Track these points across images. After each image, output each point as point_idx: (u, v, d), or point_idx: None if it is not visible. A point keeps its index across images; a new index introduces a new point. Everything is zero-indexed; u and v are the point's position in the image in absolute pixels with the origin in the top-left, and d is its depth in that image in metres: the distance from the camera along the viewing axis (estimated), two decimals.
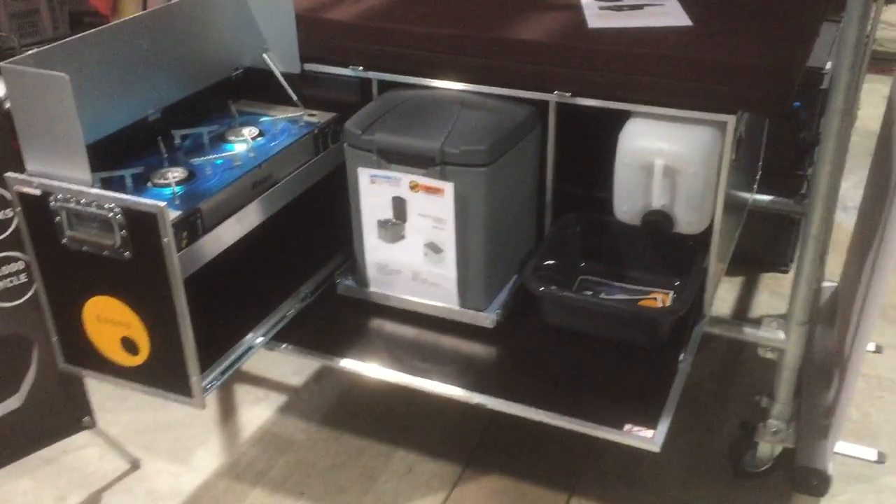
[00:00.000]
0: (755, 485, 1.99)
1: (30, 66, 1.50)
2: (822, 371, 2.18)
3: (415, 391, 2.17)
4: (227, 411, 2.29)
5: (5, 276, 1.82)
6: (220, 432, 2.22)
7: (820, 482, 1.94)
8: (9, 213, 1.80)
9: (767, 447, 1.95)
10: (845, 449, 2.06)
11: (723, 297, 2.64)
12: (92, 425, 2.02)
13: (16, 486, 2.06)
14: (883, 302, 2.45)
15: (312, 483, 2.05)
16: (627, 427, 1.62)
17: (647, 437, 1.60)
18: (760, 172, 2.48)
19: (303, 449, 2.15)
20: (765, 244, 2.69)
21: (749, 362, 2.36)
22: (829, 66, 2.46)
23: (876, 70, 4.18)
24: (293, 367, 2.42)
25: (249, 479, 2.07)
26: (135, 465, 2.11)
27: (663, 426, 1.62)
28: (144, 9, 3.44)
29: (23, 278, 1.84)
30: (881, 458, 2.04)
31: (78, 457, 2.14)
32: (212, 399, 2.33)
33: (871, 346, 2.42)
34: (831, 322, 2.39)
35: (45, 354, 1.88)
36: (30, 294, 1.85)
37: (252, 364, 2.44)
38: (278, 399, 2.32)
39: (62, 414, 1.97)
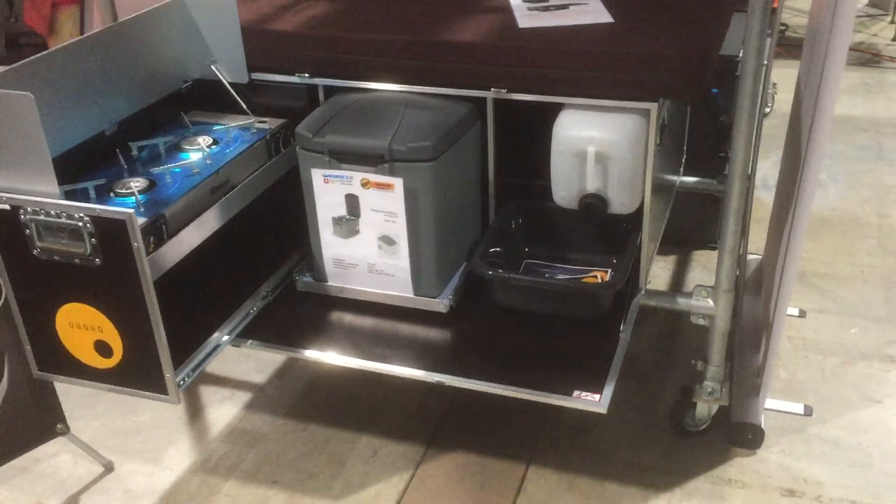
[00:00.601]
0: (696, 442, 2.15)
1: None
2: (752, 336, 2.36)
3: (375, 381, 2.29)
4: (195, 411, 2.37)
5: None
6: (190, 431, 2.30)
7: (754, 435, 2.11)
8: None
9: (705, 407, 2.12)
10: (776, 405, 2.24)
11: (658, 274, 2.81)
12: (66, 431, 2.09)
13: None
14: (799, 268, 2.66)
15: (283, 472, 2.14)
16: (576, 393, 1.77)
17: (594, 401, 1.74)
18: (685, 156, 2.65)
19: (272, 441, 2.24)
20: (694, 224, 2.87)
21: (686, 333, 2.54)
22: (742, 53, 2.63)
23: (791, 55, 4.43)
24: (256, 365, 2.52)
25: (222, 472, 2.15)
26: (109, 468, 2.18)
27: (609, 390, 1.77)
28: (81, 27, 3.49)
29: None
30: (808, 411, 2.23)
31: (51, 464, 2.20)
32: None
33: (795, 311, 2.62)
34: (758, 291, 2.58)
35: (16, 365, 1.94)
36: None
37: (215, 365, 2.52)
38: (244, 397, 2.41)
39: (36, 422, 2.03)
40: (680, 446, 2.15)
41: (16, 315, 1.77)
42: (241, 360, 2.54)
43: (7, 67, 1.68)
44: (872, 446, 2.12)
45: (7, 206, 1.63)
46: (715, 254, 2.31)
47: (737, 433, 2.12)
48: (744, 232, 2.29)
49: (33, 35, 3.65)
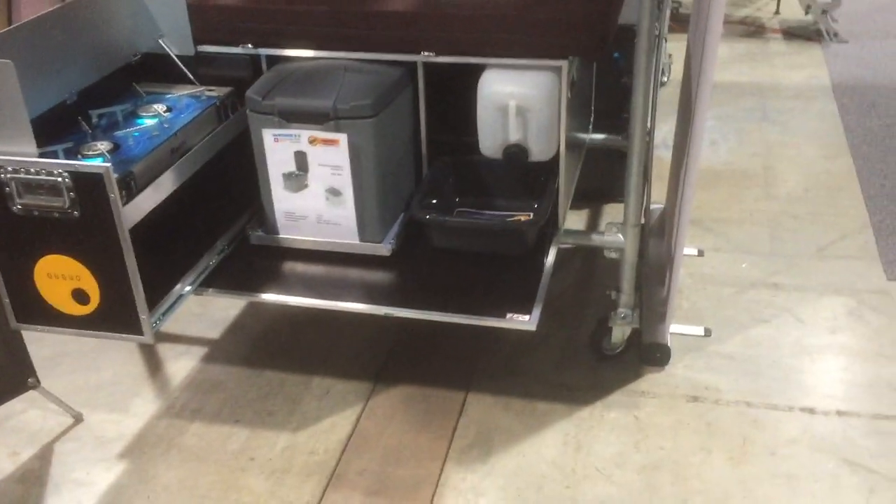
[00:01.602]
0: (613, 364, 2.44)
1: None
2: (657, 273, 2.67)
3: (322, 328, 2.50)
4: (155, 366, 2.54)
5: None
6: (152, 383, 2.47)
7: (662, 354, 2.41)
8: None
9: (619, 331, 2.40)
10: (680, 329, 2.55)
11: (574, 224, 3.10)
12: (37, 385, 2.23)
13: None
14: (696, 215, 2.98)
15: (244, 412, 2.34)
16: (509, 316, 2.02)
17: (524, 321, 2.00)
18: (594, 115, 2.93)
19: (230, 387, 2.43)
20: (603, 178, 3.16)
21: (600, 274, 2.83)
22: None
23: (684, 31, 4.80)
24: (209, 322, 2.69)
25: (186, 416, 2.33)
26: (78, 419, 2.33)
27: (536, 311, 2.03)
28: (9, 15, 3.57)
29: None
30: (707, 333, 2.54)
31: (21, 419, 2.34)
32: (137, 358, 2.57)
33: (694, 251, 2.95)
34: (661, 235, 2.89)
35: None
36: None
37: (170, 325, 2.68)
38: (200, 351, 2.59)
39: (9, 376, 2.17)
40: (599, 367, 2.43)
41: None
42: (194, 319, 2.71)
43: None
44: (762, 358, 2.44)
45: None
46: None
47: (647, 352, 2.41)
48: (646, 181, 2.58)
49: None
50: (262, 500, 2.07)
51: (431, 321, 2.06)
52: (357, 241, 2.22)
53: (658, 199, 3.06)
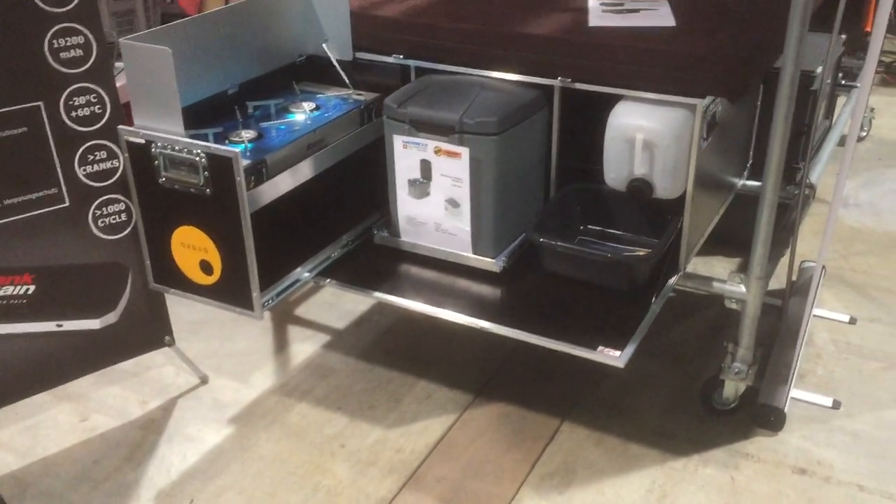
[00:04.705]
0: (723, 420, 2.32)
1: (141, 42, 1.95)
2: (793, 334, 2.51)
3: (439, 334, 2.57)
4: (281, 346, 2.72)
5: (110, 214, 2.27)
6: (275, 360, 2.64)
7: (776, 418, 2.27)
8: (115, 163, 2.23)
9: (732, 386, 2.28)
10: (805, 396, 2.39)
11: (720, 273, 2.96)
12: (172, 343, 2.46)
13: (107, 391, 2.51)
14: (860, 281, 2.76)
15: (348, 401, 2.45)
16: (600, 348, 1.99)
17: (614, 356, 1.96)
18: (752, 161, 2.80)
19: (341, 376, 2.56)
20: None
21: (736, 325, 2.69)
22: (819, 69, 2.76)
23: None
24: (338, 313, 2.84)
25: (296, 396, 2.48)
26: (204, 381, 2.55)
27: (630, 349, 1.98)
28: None
29: (123, 217, 2.28)
30: (836, 405, 2.36)
31: (158, 372, 2.58)
32: (269, 335, 2.76)
33: (845, 318, 2.73)
34: (806, 297, 2.71)
35: (137, 280, 2.32)
36: (128, 230, 2.29)
37: (303, 310, 2.87)
38: (324, 338, 2.74)
39: (149, 331, 2.41)
40: (707, 421, 2.32)
41: (141, 234, 2.15)
42: (326, 308, 2.87)
43: (153, 29, 2.06)
44: (891, 442, 2.23)
45: (142, 141, 2.00)
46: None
47: (760, 413, 2.28)
48: (792, 235, 2.43)
49: (185, 17, 4.13)
50: (342, 486, 2.17)
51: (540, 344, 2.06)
52: (471, 254, 2.27)
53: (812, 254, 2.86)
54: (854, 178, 3.65)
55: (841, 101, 3.44)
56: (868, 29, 3.65)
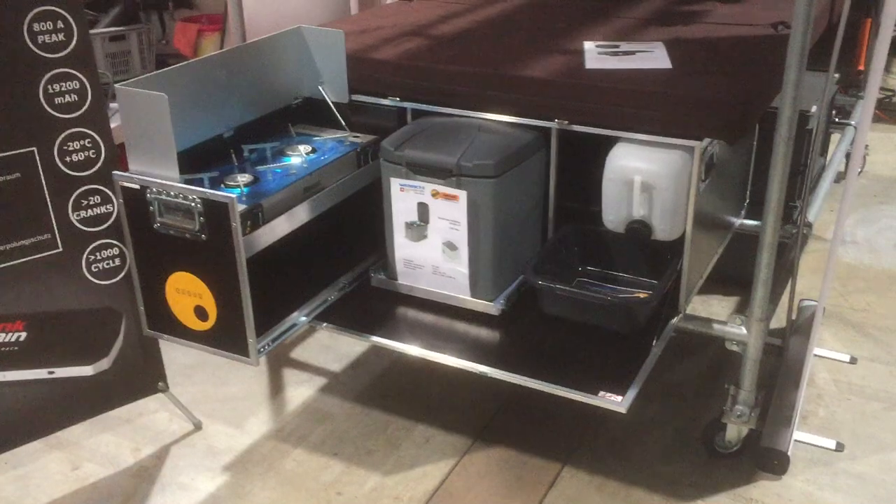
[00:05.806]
0: (726, 464, 2.28)
1: (136, 87, 1.94)
2: (795, 373, 2.48)
3: (436, 378, 2.54)
4: (277, 389, 2.68)
5: (104, 259, 2.24)
6: (270, 405, 2.60)
7: (780, 462, 2.24)
8: (109, 207, 2.21)
9: (734, 429, 2.25)
10: (809, 438, 2.36)
11: (718, 312, 2.95)
12: (166, 389, 2.42)
13: (99, 438, 2.47)
14: (860, 320, 2.76)
15: (345, 446, 2.41)
16: (601, 393, 1.96)
17: (616, 401, 1.93)
18: (749, 200, 2.79)
19: (338, 420, 2.52)
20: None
21: (737, 367, 2.67)
22: (814, 108, 2.77)
23: (893, 121, 4.49)
24: (335, 355, 2.81)
25: (292, 441, 2.44)
26: (198, 427, 2.50)
27: (631, 393, 1.95)
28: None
29: (117, 262, 2.25)
30: (839, 448, 2.33)
31: (151, 418, 2.54)
32: (264, 379, 2.72)
33: (846, 357, 2.71)
34: (807, 336, 2.69)
35: (131, 326, 2.29)
36: (122, 276, 2.26)
37: (299, 352, 2.84)
38: (320, 381, 2.70)
39: (142, 377, 2.37)
40: (710, 465, 2.29)
41: (135, 279, 2.12)
42: (323, 350, 2.84)
43: (149, 74, 2.05)
44: None
45: (137, 186, 1.99)
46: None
47: (762, 457, 2.24)
48: (792, 274, 2.42)
49: (180, 57, 4.13)
50: None
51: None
52: (468, 297, 2.25)
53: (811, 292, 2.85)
54: (850, 215, 3.65)
55: (835, 138, 3.46)
56: (861, 67, 3.68)
